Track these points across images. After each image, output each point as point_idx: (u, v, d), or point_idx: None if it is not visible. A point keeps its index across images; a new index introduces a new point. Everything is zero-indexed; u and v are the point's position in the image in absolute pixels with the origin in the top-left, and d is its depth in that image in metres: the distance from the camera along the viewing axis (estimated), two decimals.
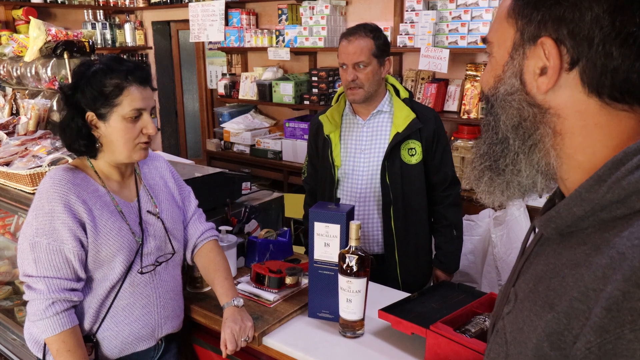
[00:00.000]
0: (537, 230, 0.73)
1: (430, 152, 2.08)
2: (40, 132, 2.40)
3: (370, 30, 2.00)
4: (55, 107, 2.62)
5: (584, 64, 0.59)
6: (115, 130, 1.43)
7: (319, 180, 2.24)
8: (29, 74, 2.81)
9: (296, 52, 4.24)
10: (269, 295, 1.70)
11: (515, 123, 0.66)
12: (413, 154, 2.05)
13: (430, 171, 2.10)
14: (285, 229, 2.16)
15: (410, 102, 2.09)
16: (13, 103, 2.89)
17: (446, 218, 2.16)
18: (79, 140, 1.45)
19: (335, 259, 1.53)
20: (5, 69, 3.02)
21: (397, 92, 2.11)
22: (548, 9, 0.61)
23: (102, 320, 1.48)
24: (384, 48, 2.02)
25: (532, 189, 0.68)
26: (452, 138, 3.40)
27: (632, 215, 0.56)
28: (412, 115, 2.02)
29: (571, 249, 0.60)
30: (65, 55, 2.56)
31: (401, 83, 3.65)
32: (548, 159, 0.65)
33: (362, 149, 2.10)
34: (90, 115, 1.43)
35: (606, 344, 0.51)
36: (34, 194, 1.50)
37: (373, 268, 1.51)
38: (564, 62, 0.61)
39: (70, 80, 1.50)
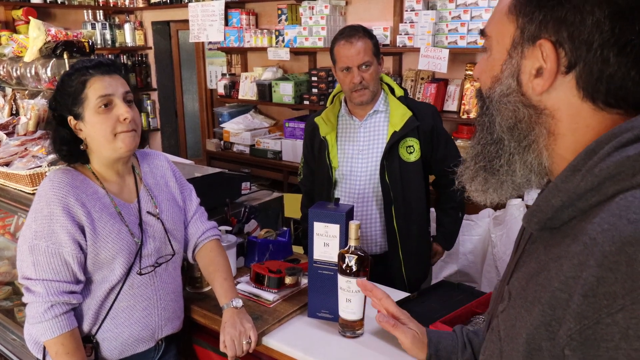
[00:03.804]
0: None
1: (430, 147, 2.08)
2: (40, 133, 2.40)
3: (365, 31, 2.01)
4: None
5: (581, 68, 0.59)
6: (92, 126, 1.43)
7: (316, 182, 2.23)
8: (28, 75, 2.81)
9: (296, 52, 4.24)
10: (269, 295, 1.70)
11: (511, 124, 0.66)
12: (411, 151, 2.05)
13: (436, 163, 2.12)
14: (285, 229, 2.16)
15: (405, 99, 2.09)
16: (13, 103, 2.89)
17: (454, 200, 2.19)
18: (62, 147, 1.46)
19: (335, 259, 1.53)
20: (5, 70, 3.02)
21: (392, 91, 2.11)
22: (550, 10, 0.60)
23: (102, 321, 1.48)
24: (378, 47, 2.05)
25: (527, 186, 0.68)
26: (452, 138, 3.40)
27: (605, 201, 0.56)
28: (409, 114, 2.03)
29: (557, 244, 0.61)
30: (65, 56, 2.55)
31: (401, 83, 3.69)
32: (540, 159, 0.65)
33: (359, 149, 2.10)
34: (71, 120, 1.45)
35: (586, 329, 0.52)
36: (33, 194, 1.50)
37: (372, 269, 1.51)
38: (561, 65, 0.61)
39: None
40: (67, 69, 1.50)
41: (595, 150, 0.57)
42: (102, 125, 1.42)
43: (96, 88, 1.42)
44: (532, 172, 0.66)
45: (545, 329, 0.57)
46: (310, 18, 3.98)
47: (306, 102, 4.12)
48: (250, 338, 1.47)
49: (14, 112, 2.86)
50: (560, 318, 0.55)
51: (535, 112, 0.64)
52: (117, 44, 5.68)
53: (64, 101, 1.44)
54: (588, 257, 0.53)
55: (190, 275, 1.80)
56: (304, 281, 1.77)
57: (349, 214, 1.55)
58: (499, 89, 0.66)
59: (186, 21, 4.80)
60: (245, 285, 1.78)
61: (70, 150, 1.47)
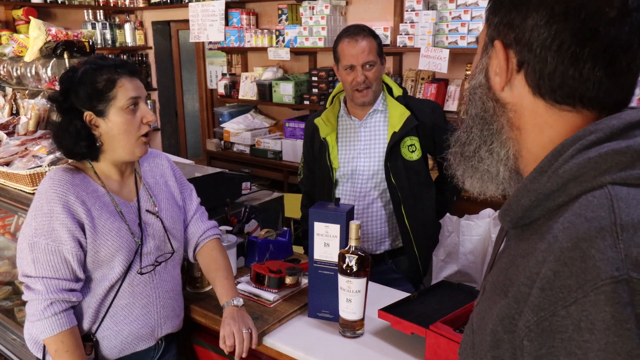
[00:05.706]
0: None
1: (432, 144, 2.08)
2: (40, 132, 2.40)
3: (369, 31, 2.01)
4: (55, 108, 2.62)
5: (527, 67, 0.65)
6: (116, 125, 1.44)
7: (316, 183, 2.23)
8: (29, 74, 2.81)
9: (296, 52, 4.24)
10: (269, 295, 1.70)
11: (479, 114, 0.72)
12: (413, 150, 2.05)
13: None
14: (285, 229, 2.16)
15: (404, 98, 2.08)
16: (13, 103, 2.89)
17: (451, 183, 2.19)
18: (80, 142, 1.44)
19: (335, 259, 1.53)
20: (5, 69, 3.02)
21: (390, 91, 2.10)
22: (503, 15, 0.67)
23: (102, 320, 1.48)
24: (382, 47, 2.05)
25: (496, 177, 0.73)
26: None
27: (570, 201, 0.60)
28: (407, 113, 2.02)
29: (526, 240, 0.64)
30: (65, 55, 2.56)
31: (401, 83, 3.69)
32: (507, 149, 0.70)
33: (361, 149, 2.10)
34: (88, 115, 1.44)
35: (542, 321, 0.55)
36: (34, 194, 1.50)
37: (373, 268, 1.51)
38: (511, 64, 0.66)
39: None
40: (88, 63, 1.47)
41: (561, 152, 0.61)
42: (127, 125, 1.44)
43: (127, 89, 1.44)
44: (500, 162, 0.71)
45: (509, 321, 0.59)
46: (311, 18, 3.98)
47: (306, 102, 4.12)
48: (249, 328, 1.47)
49: (14, 112, 2.87)
50: (521, 311, 0.58)
51: (499, 105, 0.70)
52: (117, 44, 5.68)
53: (87, 96, 1.43)
54: (549, 253, 0.56)
55: (191, 275, 1.80)
56: (304, 281, 1.77)
57: (350, 214, 1.56)
58: (473, 82, 0.73)
59: (186, 21, 4.80)
60: (245, 285, 1.78)
61: (89, 147, 1.46)
